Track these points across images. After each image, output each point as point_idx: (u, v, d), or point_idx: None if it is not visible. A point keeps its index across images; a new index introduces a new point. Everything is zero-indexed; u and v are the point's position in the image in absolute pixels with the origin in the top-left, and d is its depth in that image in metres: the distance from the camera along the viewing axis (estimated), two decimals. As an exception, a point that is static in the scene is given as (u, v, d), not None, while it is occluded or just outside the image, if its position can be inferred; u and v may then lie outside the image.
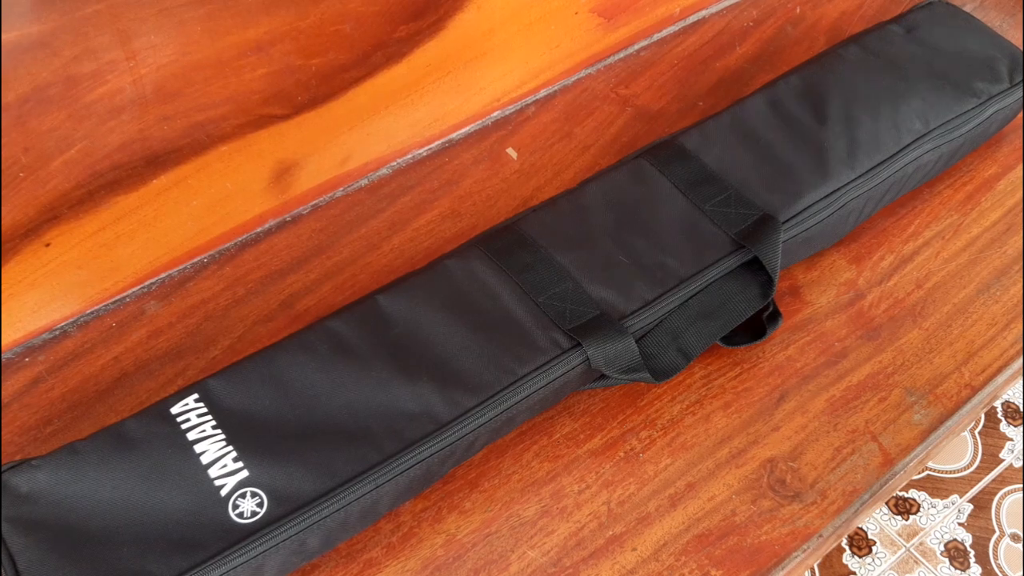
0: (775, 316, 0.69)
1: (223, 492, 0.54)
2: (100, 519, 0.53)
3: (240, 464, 0.55)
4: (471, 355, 0.61)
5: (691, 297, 0.66)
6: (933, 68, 0.78)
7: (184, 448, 0.55)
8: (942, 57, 0.79)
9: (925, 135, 0.74)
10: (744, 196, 0.70)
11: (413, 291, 0.64)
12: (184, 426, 0.56)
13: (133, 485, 0.54)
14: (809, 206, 0.70)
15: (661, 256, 0.66)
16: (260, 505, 0.54)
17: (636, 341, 0.63)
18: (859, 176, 0.72)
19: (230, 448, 0.55)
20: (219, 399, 0.58)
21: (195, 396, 0.58)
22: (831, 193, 0.71)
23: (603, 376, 0.64)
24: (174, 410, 0.57)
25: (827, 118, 0.74)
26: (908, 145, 0.74)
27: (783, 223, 0.68)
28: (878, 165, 0.72)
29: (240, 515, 0.53)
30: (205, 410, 0.57)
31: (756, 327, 0.69)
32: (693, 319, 0.65)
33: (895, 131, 0.74)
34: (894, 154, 0.73)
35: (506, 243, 0.67)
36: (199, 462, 0.55)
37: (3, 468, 0.54)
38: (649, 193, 0.71)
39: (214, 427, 0.56)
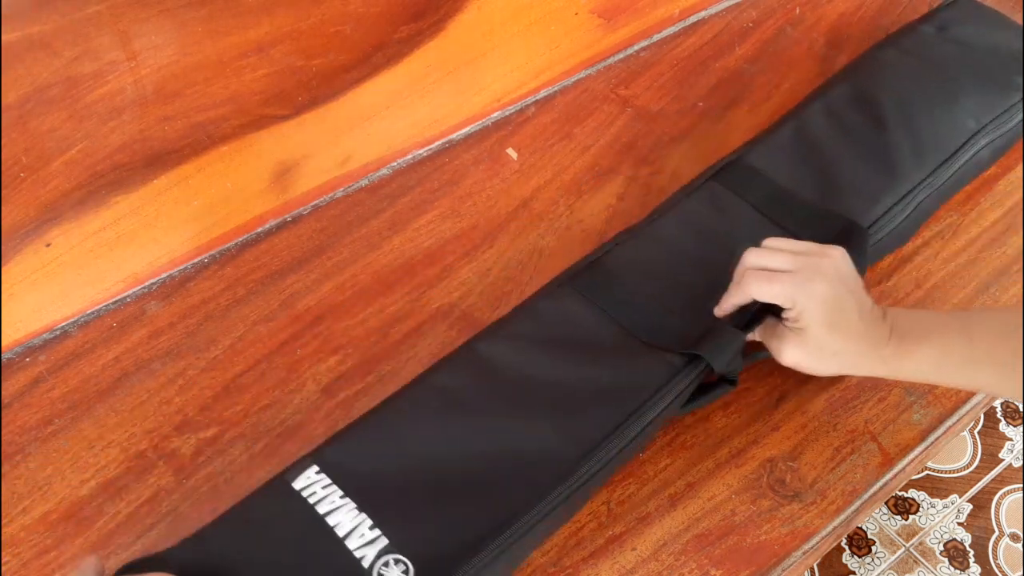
0: None
1: (365, 564, 0.51)
2: None
3: (377, 532, 0.52)
4: (586, 394, 0.59)
5: None
6: (972, 66, 0.80)
7: (317, 522, 0.52)
8: (978, 54, 0.81)
9: (979, 132, 0.76)
10: (824, 209, 0.70)
11: (512, 337, 0.62)
12: (311, 500, 0.53)
13: (272, 571, 0.51)
14: (887, 211, 0.71)
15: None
16: (406, 572, 0.51)
17: None
18: (928, 175, 0.73)
19: (363, 516, 0.52)
20: (340, 467, 0.55)
21: (315, 468, 0.55)
22: (905, 195, 0.71)
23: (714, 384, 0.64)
24: (297, 485, 0.54)
25: (886, 123, 0.75)
26: (966, 143, 0.75)
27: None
28: (942, 164, 0.73)
29: None
30: (328, 481, 0.54)
31: None
32: None
33: (952, 130, 0.75)
34: (955, 152, 0.74)
35: (596, 280, 0.66)
36: (335, 535, 0.52)
37: (122, 569, 0.50)
38: (729, 218, 0.71)
39: (342, 497, 0.53)
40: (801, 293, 0.58)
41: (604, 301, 0.65)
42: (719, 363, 0.61)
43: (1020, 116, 0.78)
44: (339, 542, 0.52)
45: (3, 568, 0.58)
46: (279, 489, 0.55)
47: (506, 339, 0.63)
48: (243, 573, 0.51)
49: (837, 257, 0.60)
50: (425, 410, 0.59)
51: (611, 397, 0.59)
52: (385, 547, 0.51)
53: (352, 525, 0.52)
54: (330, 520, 0.52)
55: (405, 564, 0.51)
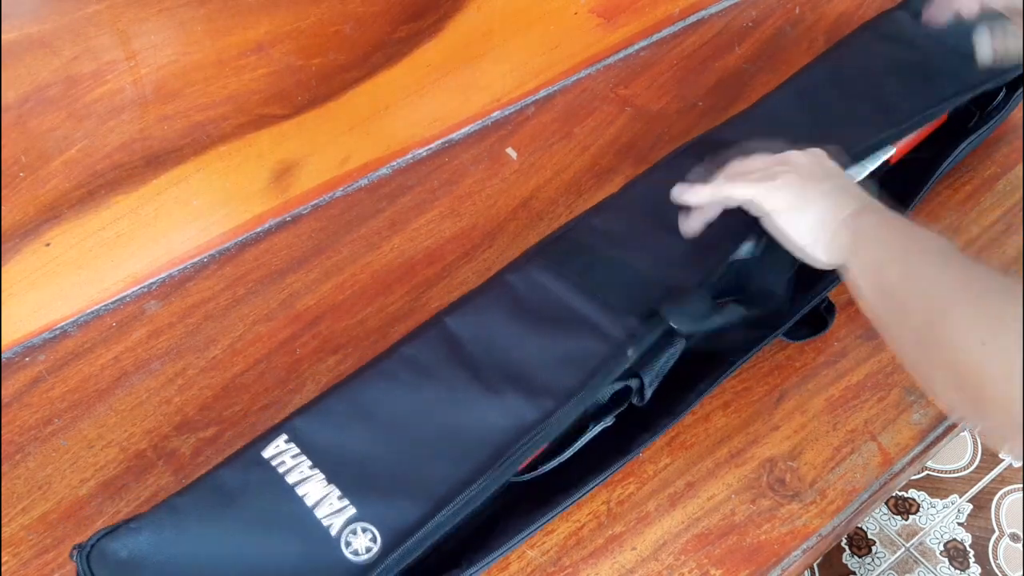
0: (831, 308, 0.70)
1: (333, 532, 0.52)
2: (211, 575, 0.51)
3: (346, 502, 0.53)
4: (549, 361, 0.60)
5: (761, 254, 0.67)
6: (949, 45, 0.80)
7: (286, 492, 0.54)
8: (954, 35, 0.81)
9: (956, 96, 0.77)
10: None
11: (479, 309, 0.63)
12: (281, 469, 0.55)
13: (241, 537, 0.52)
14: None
15: (714, 239, 0.67)
16: (373, 540, 0.52)
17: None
18: (888, 135, 0.73)
19: (332, 487, 0.54)
20: (309, 437, 0.56)
21: (284, 437, 0.56)
22: (863, 157, 0.72)
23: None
24: (266, 454, 0.55)
25: (854, 99, 0.76)
26: (932, 111, 0.76)
27: None
28: (904, 126, 0.74)
29: (355, 552, 0.52)
30: (298, 451, 0.56)
31: (815, 322, 0.69)
32: (767, 269, 0.66)
33: (931, 101, 0.76)
34: (918, 119, 0.75)
35: (561, 250, 0.67)
36: (304, 504, 0.53)
37: (99, 534, 0.52)
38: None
39: (311, 467, 0.55)
40: (760, 192, 0.60)
41: (568, 270, 0.65)
42: (684, 323, 0.60)
43: (993, 95, 0.78)
44: (308, 511, 0.53)
45: (3, 568, 0.58)
46: (249, 459, 0.56)
47: (474, 313, 0.64)
48: (212, 540, 0.52)
49: (798, 158, 0.62)
50: (393, 381, 0.60)
51: (570, 364, 0.60)
52: (353, 516, 0.53)
53: (321, 495, 0.54)
54: (299, 490, 0.54)
55: (372, 532, 0.52)
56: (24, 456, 0.63)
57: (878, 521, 1.36)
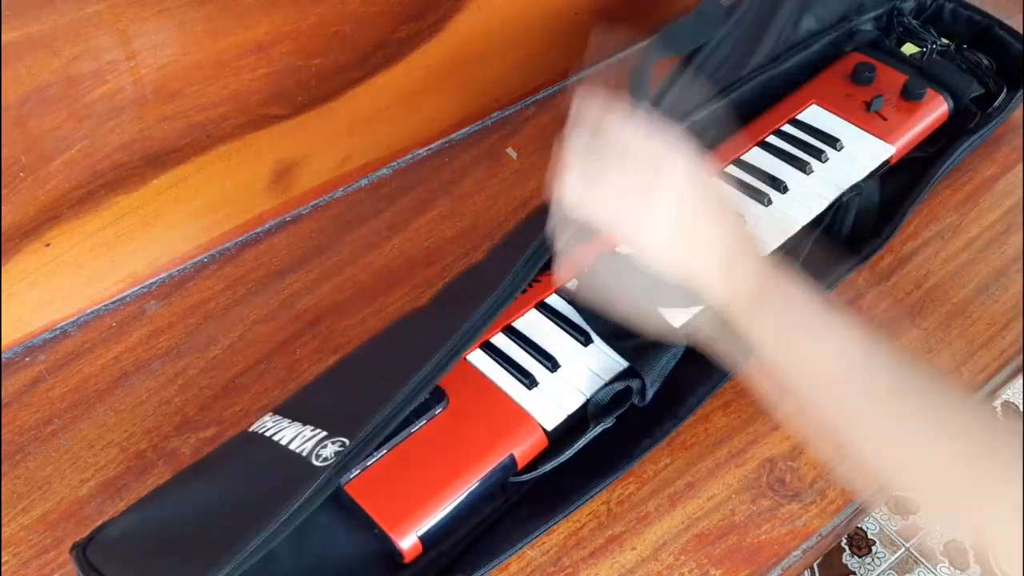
0: None
1: (304, 453, 0.54)
2: (182, 524, 0.54)
3: (319, 431, 0.55)
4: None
5: None
6: None
7: (264, 442, 0.57)
8: None
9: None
10: None
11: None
12: (261, 431, 0.58)
13: (218, 485, 0.56)
14: None
15: None
16: (343, 446, 0.54)
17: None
18: None
19: (307, 427, 0.56)
20: (295, 407, 0.60)
21: (270, 414, 0.60)
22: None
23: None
24: (252, 428, 0.59)
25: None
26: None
27: None
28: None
29: (324, 460, 0.53)
30: (280, 417, 0.59)
31: None
32: None
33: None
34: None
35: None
36: (279, 444, 0.56)
37: (91, 534, 0.55)
38: None
39: (290, 422, 0.58)
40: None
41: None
42: (651, 379, 0.61)
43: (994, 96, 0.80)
44: (283, 448, 0.55)
45: (3, 568, 0.58)
46: (236, 437, 0.59)
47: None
48: (192, 496, 0.56)
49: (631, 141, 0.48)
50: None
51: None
52: (323, 436, 0.55)
53: (295, 433, 0.56)
54: (276, 437, 0.57)
55: (343, 442, 0.54)
56: (24, 456, 0.63)
57: (878, 521, 1.36)
